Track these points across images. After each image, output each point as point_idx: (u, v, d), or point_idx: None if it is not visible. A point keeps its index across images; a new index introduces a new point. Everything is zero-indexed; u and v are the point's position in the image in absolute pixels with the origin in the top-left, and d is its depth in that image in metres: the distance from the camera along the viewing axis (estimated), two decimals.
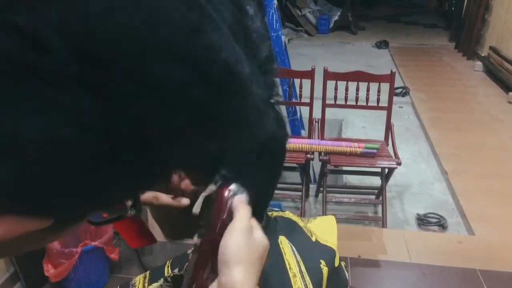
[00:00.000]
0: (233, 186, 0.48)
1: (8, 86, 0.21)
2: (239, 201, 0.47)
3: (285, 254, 0.54)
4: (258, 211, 0.56)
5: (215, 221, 0.46)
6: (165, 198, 0.55)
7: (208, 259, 0.45)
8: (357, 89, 2.74)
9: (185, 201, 0.53)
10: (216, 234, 0.45)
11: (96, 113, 0.23)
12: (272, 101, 0.45)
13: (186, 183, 0.52)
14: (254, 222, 0.48)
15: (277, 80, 0.47)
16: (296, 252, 0.55)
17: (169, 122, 0.26)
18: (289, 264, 0.53)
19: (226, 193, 0.47)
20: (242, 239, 0.44)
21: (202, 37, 0.26)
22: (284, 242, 0.56)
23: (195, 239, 0.48)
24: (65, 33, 0.21)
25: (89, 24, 0.22)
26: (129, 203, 0.52)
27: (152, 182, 0.32)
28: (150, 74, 0.24)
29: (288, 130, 3.01)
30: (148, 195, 0.57)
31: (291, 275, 0.52)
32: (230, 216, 0.46)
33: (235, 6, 0.30)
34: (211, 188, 0.48)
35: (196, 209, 0.48)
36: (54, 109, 0.23)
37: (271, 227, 0.57)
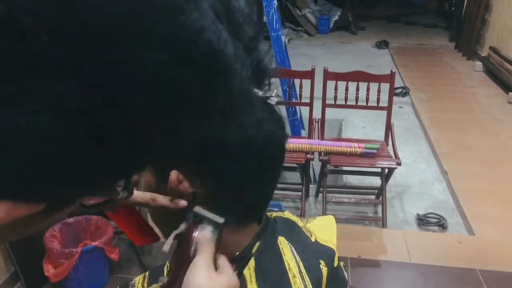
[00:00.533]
0: (203, 225, 0.49)
1: None
2: (202, 238, 0.47)
3: (284, 255, 0.54)
4: (257, 211, 0.56)
5: (182, 258, 0.47)
6: (162, 200, 0.55)
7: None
8: (357, 89, 2.74)
9: (182, 203, 0.53)
10: (183, 272, 0.46)
11: (77, 97, 0.23)
12: (260, 80, 0.45)
13: (185, 186, 0.52)
14: (222, 260, 0.48)
15: (263, 58, 0.47)
16: (295, 253, 0.55)
17: (151, 104, 0.26)
18: (288, 264, 0.53)
19: (194, 232, 0.48)
20: (202, 276, 0.44)
21: (183, 16, 0.25)
22: (283, 243, 0.56)
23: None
24: (41, 17, 0.21)
25: (66, 6, 0.22)
26: (120, 186, 0.52)
27: (141, 166, 0.32)
28: (129, 55, 0.24)
29: (288, 130, 3.01)
30: (145, 196, 0.57)
31: (290, 275, 0.52)
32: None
33: None
34: (182, 227, 0.49)
35: (166, 247, 0.49)
36: (36, 94, 0.22)
37: (270, 228, 0.57)
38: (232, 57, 0.29)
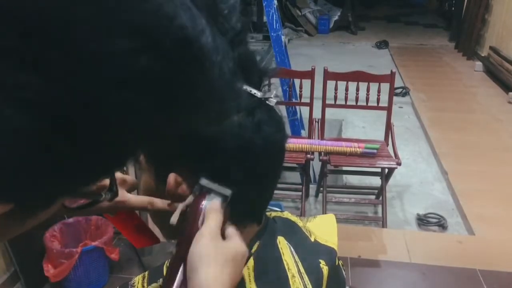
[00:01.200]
0: (210, 196, 0.48)
1: None
2: (210, 208, 0.47)
3: (283, 255, 0.54)
4: (257, 212, 0.56)
5: (189, 230, 0.47)
6: (160, 204, 0.55)
7: (179, 269, 0.45)
8: (357, 89, 2.74)
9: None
10: (189, 241, 0.45)
11: (38, 89, 0.22)
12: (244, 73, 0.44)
13: (183, 188, 0.51)
14: (231, 230, 0.48)
15: (252, 53, 0.46)
16: (294, 253, 0.55)
17: (119, 96, 0.25)
18: (287, 264, 0.53)
19: (202, 203, 0.48)
20: (207, 243, 0.43)
21: (150, 2, 0.24)
22: (282, 243, 0.56)
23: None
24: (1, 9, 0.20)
25: None
26: (105, 187, 0.51)
27: (116, 163, 0.30)
28: (92, 44, 0.23)
29: (288, 130, 3.01)
30: (143, 201, 0.57)
31: (289, 275, 0.52)
32: None
33: None
34: (190, 199, 0.49)
35: (174, 218, 0.48)
36: None
37: (269, 228, 0.57)
38: (210, 47, 0.28)
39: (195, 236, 0.45)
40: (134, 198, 0.58)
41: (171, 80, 0.26)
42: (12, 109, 0.22)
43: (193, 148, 0.47)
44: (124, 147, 0.29)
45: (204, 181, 0.48)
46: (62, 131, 0.24)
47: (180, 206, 0.49)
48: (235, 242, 0.46)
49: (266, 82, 0.52)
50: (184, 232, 0.47)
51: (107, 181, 0.51)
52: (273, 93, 0.50)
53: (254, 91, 0.49)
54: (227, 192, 0.48)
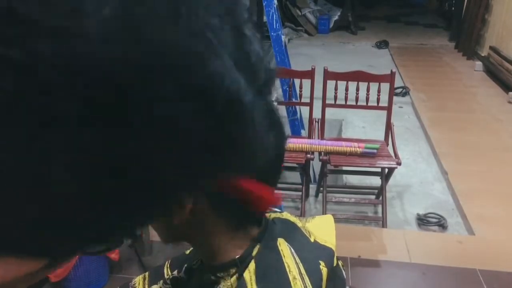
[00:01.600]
0: None
1: (4, 124, 0.20)
2: None
3: (284, 257, 0.54)
4: (257, 216, 0.56)
5: None
6: None
7: None
8: (357, 89, 2.74)
9: None
10: None
11: (95, 151, 0.22)
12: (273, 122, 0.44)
13: None
14: None
15: (275, 103, 0.46)
16: (295, 254, 0.55)
17: (169, 154, 0.25)
18: (288, 266, 0.53)
19: None
20: None
21: (205, 66, 0.25)
22: (283, 244, 0.56)
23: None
24: (63, 68, 0.20)
25: (87, 58, 0.21)
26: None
27: (152, 216, 0.31)
28: (149, 108, 0.23)
29: (288, 130, 3.01)
30: None
31: (291, 277, 0.52)
32: None
33: (235, 31, 0.29)
34: None
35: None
36: (52, 148, 0.21)
37: (269, 230, 0.57)
38: (249, 104, 0.28)
39: None
40: None
41: (216, 138, 0.27)
42: (67, 172, 0.22)
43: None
44: (164, 201, 0.29)
45: None
46: (114, 192, 0.24)
47: None
48: None
49: (268, 84, 0.51)
50: None
51: None
52: (274, 95, 0.50)
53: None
54: None
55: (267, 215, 0.60)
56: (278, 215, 0.62)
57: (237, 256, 0.53)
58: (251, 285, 0.50)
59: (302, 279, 0.52)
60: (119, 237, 0.31)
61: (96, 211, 0.25)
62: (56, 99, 0.21)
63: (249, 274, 0.51)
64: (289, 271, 0.52)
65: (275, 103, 0.50)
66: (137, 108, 0.23)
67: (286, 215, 0.62)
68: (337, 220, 0.71)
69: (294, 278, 0.51)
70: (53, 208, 0.23)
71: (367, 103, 2.78)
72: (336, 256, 0.61)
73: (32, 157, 0.21)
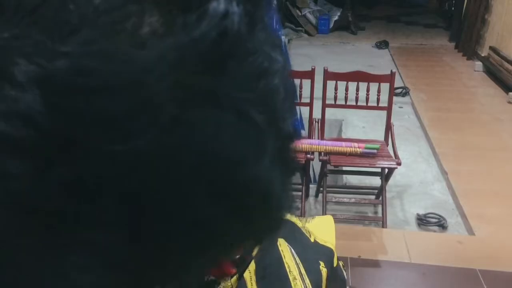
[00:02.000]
0: None
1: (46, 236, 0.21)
2: None
3: (284, 257, 0.54)
4: None
5: None
6: None
7: None
8: (357, 89, 2.74)
9: None
10: None
11: (127, 252, 0.23)
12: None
13: None
14: None
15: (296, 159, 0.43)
16: (295, 254, 0.55)
17: (193, 248, 0.26)
18: (289, 267, 0.53)
19: None
20: None
21: (244, 170, 0.24)
22: (283, 245, 0.56)
23: None
24: (108, 182, 0.20)
25: (133, 171, 0.21)
26: None
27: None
28: (185, 212, 0.23)
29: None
30: None
31: (291, 278, 0.52)
32: None
33: (273, 110, 0.26)
34: None
35: None
36: (89, 251, 0.22)
37: None
38: (275, 192, 0.27)
39: None
40: None
41: (238, 230, 0.27)
42: (100, 271, 0.22)
43: None
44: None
45: None
46: (141, 280, 0.25)
47: None
48: None
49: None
50: None
51: None
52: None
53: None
54: None
55: None
56: None
57: (237, 256, 0.53)
58: (251, 285, 0.50)
59: (302, 279, 0.52)
60: None
61: None
62: (98, 208, 0.21)
63: (249, 275, 0.51)
64: (289, 271, 0.52)
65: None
66: (164, 212, 0.23)
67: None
68: (337, 220, 0.71)
69: (294, 278, 0.52)
70: None
71: (367, 103, 2.78)
72: (337, 257, 0.61)
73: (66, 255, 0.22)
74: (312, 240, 0.60)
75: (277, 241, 0.56)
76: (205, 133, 0.22)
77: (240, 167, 0.23)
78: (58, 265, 0.22)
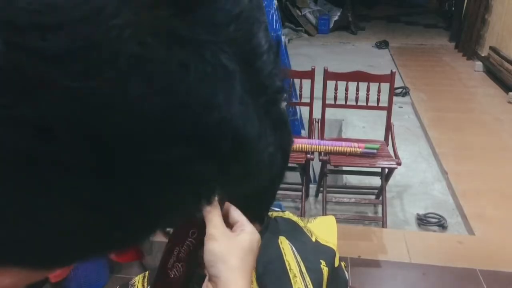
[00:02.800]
0: None
1: (14, 176, 0.21)
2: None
3: (285, 255, 0.54)
4: (259, 214, 0.56)
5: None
6: None
7: (174, 248, 0.47)
8: (357, 89, 2.74)
9: None
10: (182, 225, 0.47)
11: (98, 192, 0.23)
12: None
13: None
14: (237, 217, 0.47)
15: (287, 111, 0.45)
16: (296, 253, 0.55)
17: (169, 194, 0.26)
18: (289, 264, 0.53)
19: None
20: (223, 243, 0.44)
21: (215, 112, 0.24)
22: (284, 243, 0.56)
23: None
24: (72, 121, 0.20)
25: (99, 112, 0.21)
26: None
27: (148, 235, 0.32)
28: (155, 154, 0.23)
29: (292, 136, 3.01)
30: None
31: (291, 275, 0.52)
32: None
33: (247, 54, 0.27)
34: None
35: None
36: (59, 191, 0.22)
37: (271, 228, 0.57)
38: (256, 137, 0.27)
39: (208, 237, 0.45)
40: None
41: (218, 177, 0.27)
42: (73, 211, 0.23)
43: None
44: (159, 228, 0.31)
45: None
46: (114, 222, 0.25)
47: None
48: (247, 232, 0.46)
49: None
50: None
51: None
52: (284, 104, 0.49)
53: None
54: None
55: (269, 213, 0.60)
56: (280, 214, 0.62)
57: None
58: (252, 282, 0.50)
59: (303, 277, 0.52)
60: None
61: (93, 241, 0.26)
62: (63, 150, 0.21)
63: None
64: (290, 269, 0.52)
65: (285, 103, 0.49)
66: (133, 154, 0.23)
67: (288, 214, 0.63)
68: (337, 220, 0.71)
69: (295, 276, 0.52)
70: (54, 239, 0.24)
71: (367, 103, 2.78)
72: (339, 257, 0.61)
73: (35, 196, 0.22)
74: (313, 240, 0.60)
75: (278, 238, 0.56)
76: (171, 74, 0.22)
77: (208, 109, 0.24)
78: (27, 207, 0.22)
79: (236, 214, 0.48)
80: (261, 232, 0.56)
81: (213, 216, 0.46)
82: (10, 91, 0.19)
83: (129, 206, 0.25)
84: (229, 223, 0.48)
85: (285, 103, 0.48)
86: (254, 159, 0.29)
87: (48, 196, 0.22)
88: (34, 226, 0.23)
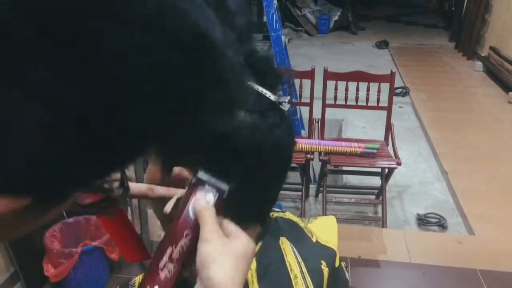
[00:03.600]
0: (206, 188, 0.48)
1: None
2: (201, 207, 0.46)
3: (286, 255, 0.54)
4: (261, 216, 0.56)
5: (179, 215, 0.47)
6: (160, 190, 0.55)
7: (166, 248, 0.46)
8: (357, 89, 2.74)
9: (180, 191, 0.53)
10: (176, 226, 0.46)
11: (60, 87, 0.23)
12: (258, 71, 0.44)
13: (186, 174, 0.51)
14: (232, 227, 0.47)
15: (258, 50, 0.46)
16: (297, 253, 0.55)
17: (135, 89, 0.25)
18: (290, 265, 0.53)
19: (193, 195, 0.48)
20: (216, 247, 0.44)
21: (188, 18, 0.25)
22: (285, 243, 0.56)
23: None
24: (22, 8, 0.20)
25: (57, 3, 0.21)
26: (117, 184, 0.52)
27: (129, 157, 0.31)
28: (111, 42, 0.23)
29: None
30: (142, 188, 0.56)
31: (292, 276, 0.52)
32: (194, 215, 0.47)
33: None
34: (184, 191, 0.49)
35: (168, 207, 0.48)
36: (17, 85, 0.22)
37: (271, 228, 0.57)
38: (220, 41, 0.28)
39: (202, 239, 0.45)
40: (133, 186, 0.57)
41: (184, 74, 0.27)
42: (35, 105, 0.23)
43: (202, 145, 0.47)
44: (138, 141, 0.29)
45: (201, 174, 0.48)
46: (82, 126, 0.24)
47: (175, 197, 0.49)
48: (242, 240, 0.46)
49: (281, 87, 0.51)
50: (174, 219, 0.48)
51: (117, 177, 0.52)
52: (287, 97, 0.50)
53: (268, 93, 0.48)
54: (224, 186, 0.47)
55: (270, 214, 0.60)
56: (281, 214, 0.62)
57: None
58: (252, 282, 0.50)
59: (304, 278, 0.52)
60: (96, 177, 0.32)
61: (59, 146, 0.25)
62: (15, 39, 0.21)
63: (250, 272, 0.51)
64: (291, 269, 0.52)
65: (288, 105, 0.50)
66: (87, 41, 0.22)
67: (288, 215, 0.63)
68: (337, 220, 0.71)
69: (296, 276, 0.52)
70: (21, 142, 0.24)
71: (367, 103, 2.78)
72: (339, 258, 0.61)
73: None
74: (314, 240, 0.60)
75: (279, 239, 0.56)
76: None
77: (185, 15, 0.25)
78: (3, 97, 0.22)
79: (230, 225, 0.48)
80: (261, 233, 0.56)
81: (207, 220, 0.46)
82: None
83: (92, 102, 0.24)
84: (224, 234, 0.48)
85: (288, 103, 0.48)
86: (220, 60, 0.29)
87: (21, 90, 0.22)
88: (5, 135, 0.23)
